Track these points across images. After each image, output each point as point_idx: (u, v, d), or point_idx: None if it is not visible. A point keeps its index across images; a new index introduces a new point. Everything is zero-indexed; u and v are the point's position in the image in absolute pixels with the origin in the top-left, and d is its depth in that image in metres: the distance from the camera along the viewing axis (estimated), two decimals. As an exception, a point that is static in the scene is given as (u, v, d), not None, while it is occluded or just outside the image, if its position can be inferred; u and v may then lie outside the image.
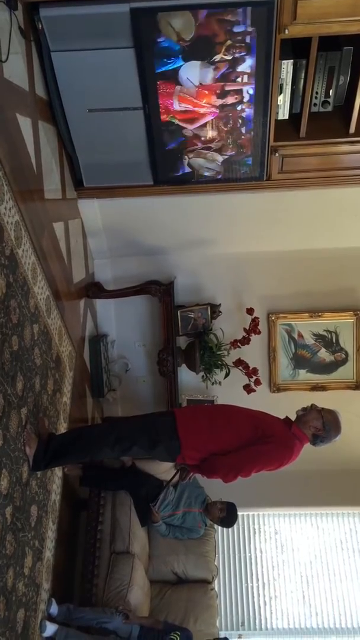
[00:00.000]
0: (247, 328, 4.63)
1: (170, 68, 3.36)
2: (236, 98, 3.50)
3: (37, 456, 3.03)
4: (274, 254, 4.84)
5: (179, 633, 3.38)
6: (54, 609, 3.35)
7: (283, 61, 3.40)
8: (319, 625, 4.68)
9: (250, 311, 4.62)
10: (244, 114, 3.60)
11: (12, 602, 2.75)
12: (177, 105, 3.56)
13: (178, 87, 3.46)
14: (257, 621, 4.68)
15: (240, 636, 4.63)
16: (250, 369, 4.62)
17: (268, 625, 4.68)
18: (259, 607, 4.72)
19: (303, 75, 3.49)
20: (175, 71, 3.37)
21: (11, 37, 2.80)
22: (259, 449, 3.12)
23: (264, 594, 4.77)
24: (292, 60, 3.43)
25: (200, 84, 3.43)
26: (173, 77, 3.40)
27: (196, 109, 3.58)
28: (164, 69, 3.36)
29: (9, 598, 2.70)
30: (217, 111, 3.58)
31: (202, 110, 3.59)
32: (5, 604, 2.65)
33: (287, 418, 3.29)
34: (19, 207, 2.90)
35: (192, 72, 3.38)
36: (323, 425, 3.14)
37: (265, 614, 4.71)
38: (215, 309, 4.79)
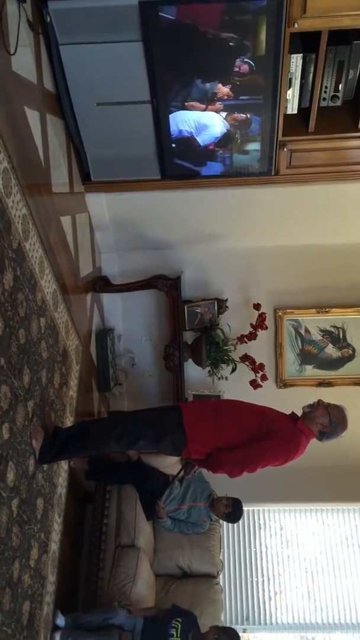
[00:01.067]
0: (254, 323, 4.62)
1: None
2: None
3: (43, 449, 3.05)
4: (281, 250, 4.83)
5: (180, 620, 3.37)
6: (61, 620, 3.33)
7: (292, 55, 3.38)
8: (323, 620, 4.68)
9: (257, 306, 4.61)
10: (251, 109, 3.59)
11: (18, 594, 2.77)
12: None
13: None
14: (261, 616, 4.69)
15: (245, 630, 4.64)
16: (257, 364, 4.62)
17: (273, 620, 4.68)
18: (264, 602, 4.73)
19: (312, 69, 3.47)
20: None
21: (19, 30, 2.80)
22: (265, 444, 3.11)
23: (269, 589, 4.78)
24: (301, 55, 3.41)
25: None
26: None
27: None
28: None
29: (14, 590, 2.72)
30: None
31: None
32: (11, 595, 2.67)
33: (292, 414, 3.29)
34: (26, 200, 2.90)
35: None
36: (330, 421, 3.14)
37: (270, 609, 4.72)
38: (222, 304, 4.78)
